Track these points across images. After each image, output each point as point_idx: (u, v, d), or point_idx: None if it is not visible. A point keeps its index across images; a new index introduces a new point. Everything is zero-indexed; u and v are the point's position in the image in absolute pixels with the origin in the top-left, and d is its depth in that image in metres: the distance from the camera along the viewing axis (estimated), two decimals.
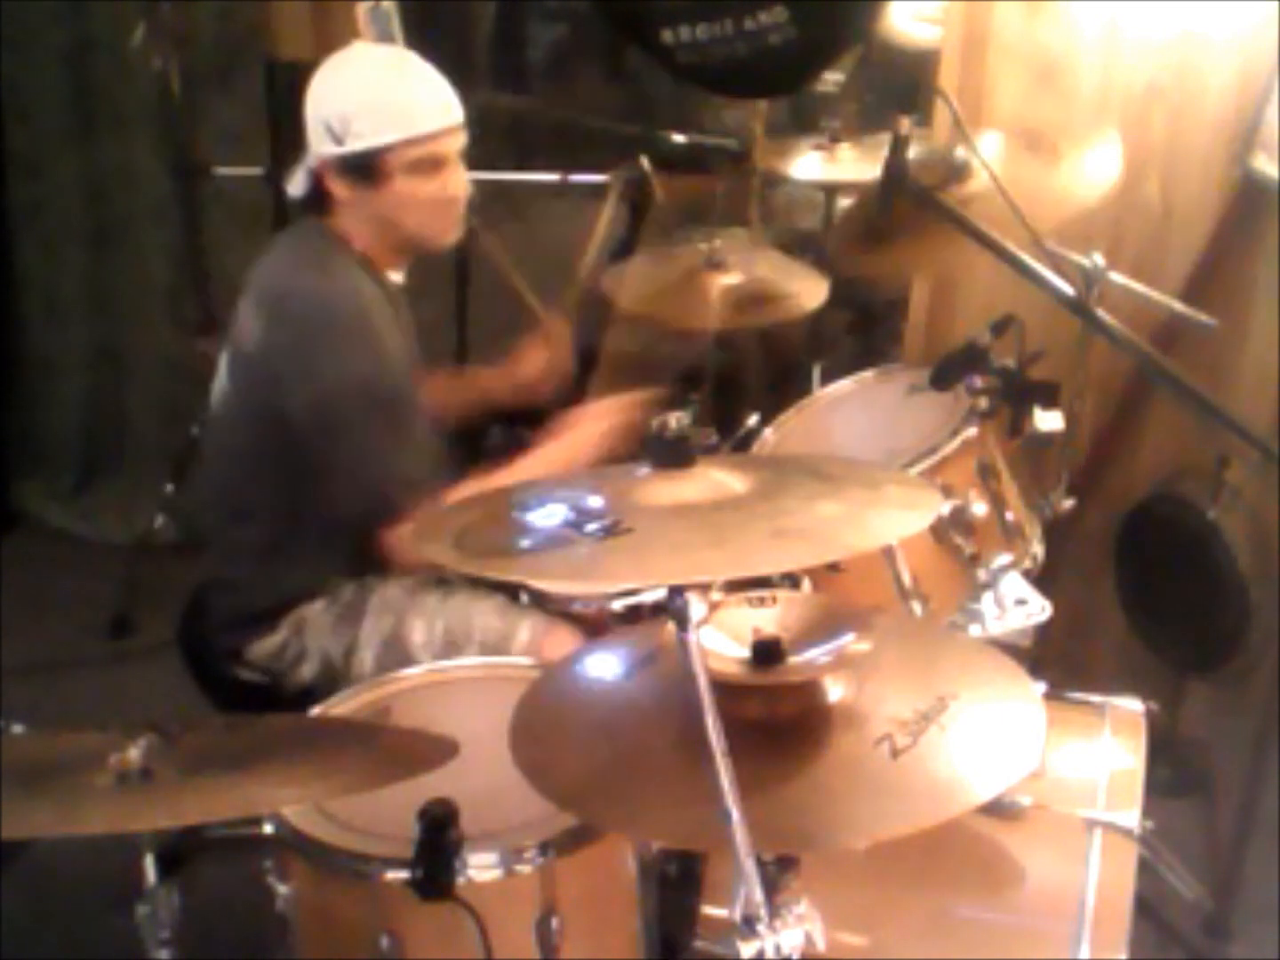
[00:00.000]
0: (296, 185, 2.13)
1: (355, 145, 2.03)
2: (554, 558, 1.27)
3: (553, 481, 1.53)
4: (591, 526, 1.27)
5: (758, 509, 1.34)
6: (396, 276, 2.18)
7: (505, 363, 2.53)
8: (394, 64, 2.12)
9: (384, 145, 2.03)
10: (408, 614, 2.13)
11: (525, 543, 1.31)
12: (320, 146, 2.05)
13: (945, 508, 2.01)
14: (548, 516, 1.33)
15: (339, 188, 2.06)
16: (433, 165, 2.07)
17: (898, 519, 1.38)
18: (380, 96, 2.05)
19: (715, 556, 1.24)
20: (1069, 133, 2.33)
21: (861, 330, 3.45)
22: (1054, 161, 2.16)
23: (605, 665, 1.59)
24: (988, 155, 2.01)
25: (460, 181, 2.11)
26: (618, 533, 1.25)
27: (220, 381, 2.18)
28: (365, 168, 2.04)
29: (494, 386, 2.51)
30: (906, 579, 2.00)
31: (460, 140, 2.10)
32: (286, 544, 2.14)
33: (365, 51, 2.24)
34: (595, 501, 1.34)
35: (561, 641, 2.04)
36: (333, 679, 2.09)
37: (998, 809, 1.66)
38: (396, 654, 2.07)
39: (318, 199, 2.10)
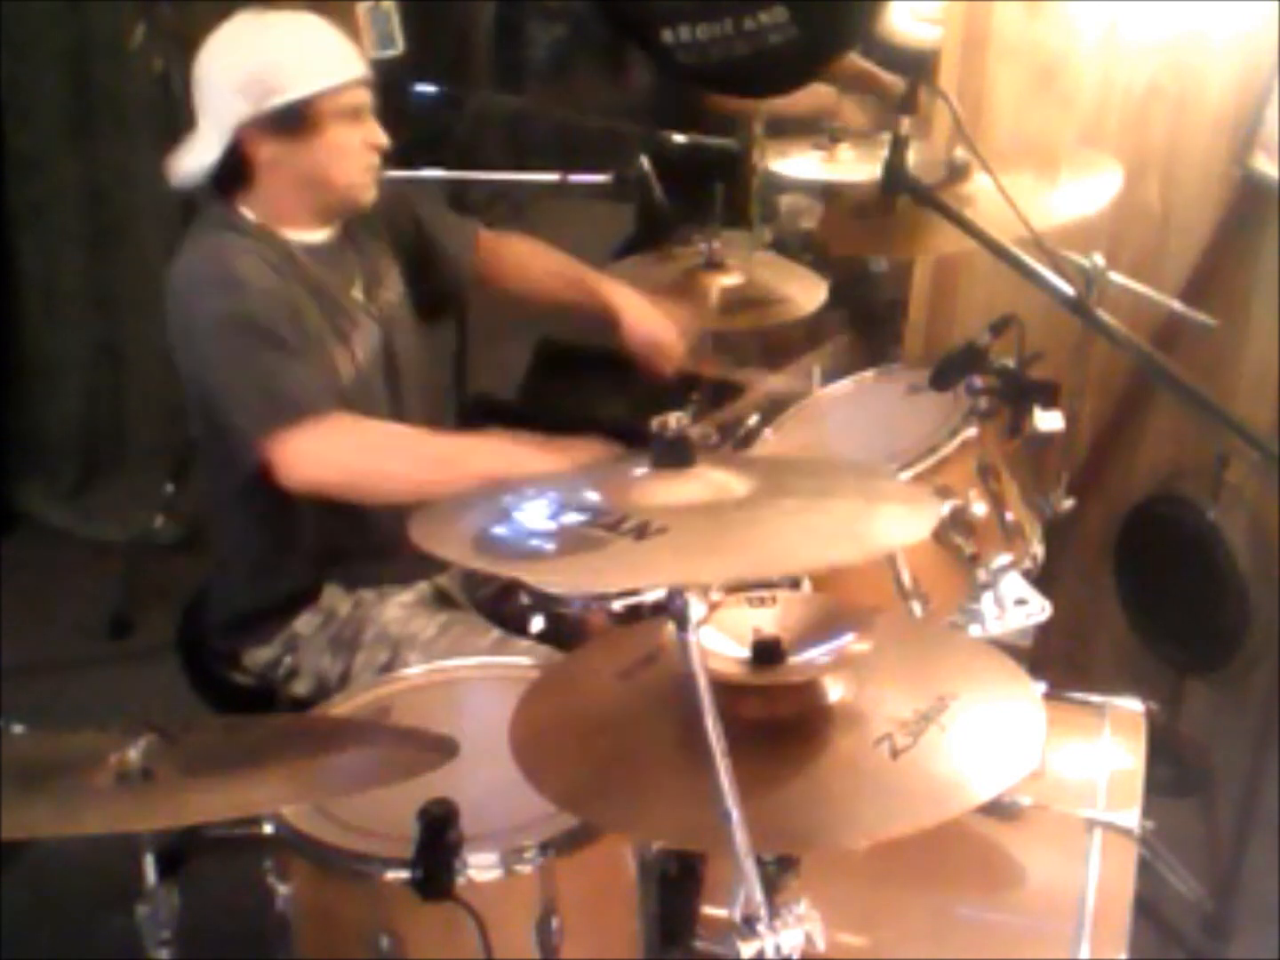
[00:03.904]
0: (205, 157, 2.05)
1: (284, 98, 2.00)
2: (581, 560, 1.26)
3: (550, 483, 1.53)
4: (621, 526, 1.27)
5: (766, 507, 1.34)
6: (316, 235, 2.14)
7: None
8: (296, 21, 2.08)
9: (312, 94, 2.01)
10: (403, 648, 2.11)
11: (548, 545, 1.31)
12: (239, 109, 2.00)
13: (945, 508, 2.01)
14: (562, 518, 1.34)
15: (265, 149, 2.03)
16: (356, 114, 2.07)
17: (897, 525, 1.38)
18: (298, 50, 2.04)
19: (745, 555, 1.24)
20: (1069, 155, 2.32)
21: (861, 330, 3.45)
22: (1053, 181, 2.16)
23: (605, 665, 1.59)
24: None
25: (380, 132, 2.10)
26: (650, 533, 1.25)
27: None
28: (295, 120, 2.02)
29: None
30: (906, 579, 2.00)
31: (369, 94, 2.10)
32: (269, 548, 2.14)
33: (259, 15, 2.12)
34: (607, 501, 1.34)
35: None
36: (326, 699, 2.08)
37: (998, 809, 1.66)
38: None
39: (232, 170, 2.05)
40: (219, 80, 2.05)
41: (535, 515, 1.38)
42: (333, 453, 1.95)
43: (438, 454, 2.01)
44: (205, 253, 2.06)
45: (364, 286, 2.20)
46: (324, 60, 2.05)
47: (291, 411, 1.93)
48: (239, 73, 2.02)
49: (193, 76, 2.08)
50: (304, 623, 2.15)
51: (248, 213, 2.09)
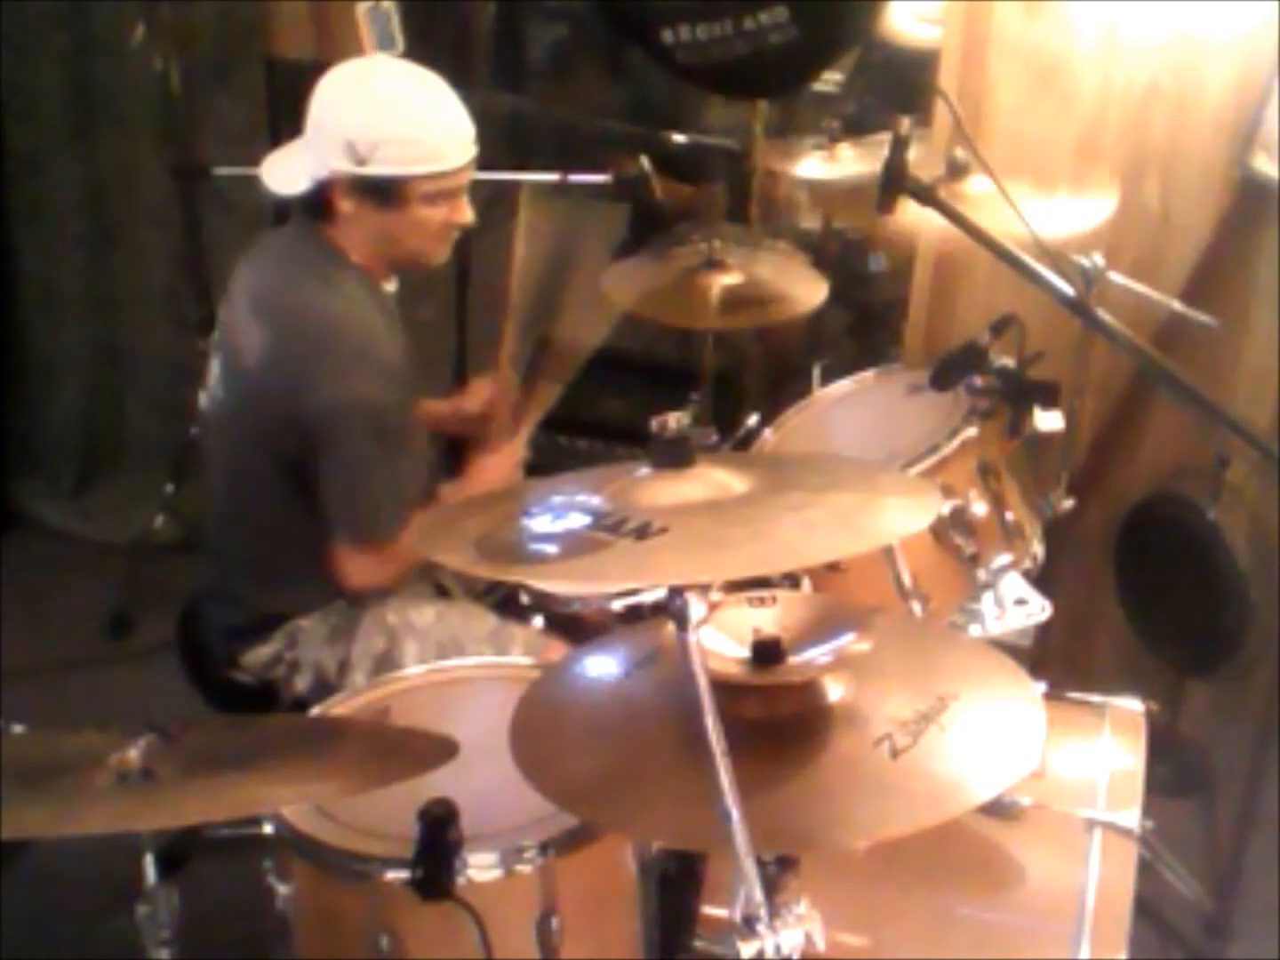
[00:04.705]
0: (292, 184, 2.06)
1: (379, 170, 2.00)
2: (584, 562, 1.26)
3: (553, 484, 1.53)
4: (622, 528, 1.27)
5: (767, 504, 1.34)
6: (389, 286, 2.16)
7: (454, 396, 2.51)
8: (425, 92, 2.06)
9: (408, 175, 2.01)
10: (400, 635, 2.13)
11: (552, 548, 1.31)
12: (335, 161, 2.00)
13: (945, 508, 2.01)
14: (567, 521, 1.33)
15: (347, 204, 2.03)
16: (448, 196, 2.06)
17: (898, 519, 1.38)
18: (412, 128, 2.01)
19: (747, 552, 1.25)
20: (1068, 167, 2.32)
21: (861, 330, 3.45)
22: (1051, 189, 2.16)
23: (605, 665, 1.59)
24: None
25: (467, 210, 2.10)
26: (651, 534, 1.25)
27: (214, 390, 2.16)
28: (384, 192, 2.02)
29: (441, 416, 2.45)
30: (906, 579, 2.00)
31: (469, 176, 2.10)
32: (281, 558, 2.14)
33: (392, 71, 2.14)
34: (609, 503, 1.34)
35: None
36: (326, 693, 2.09)
37: (998, 809, 1.66)
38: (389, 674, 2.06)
39: (316, 206, 2.05)
40: (332, 123, 2.02)
41: (537, 519, 1.38)
42: (386, 572, 2.11)
43: None
44: (344, 302, 2.05)
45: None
46: (437, 145, 2.03)
47: (377, 537, 2.04)
48: (352, 128, 1.99)
49: (315, 94, 2.05)
50: (304, 618, 2.16)
51: (349, 252, 2.08)
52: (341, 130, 1.99)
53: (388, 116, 2.01)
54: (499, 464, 2.26)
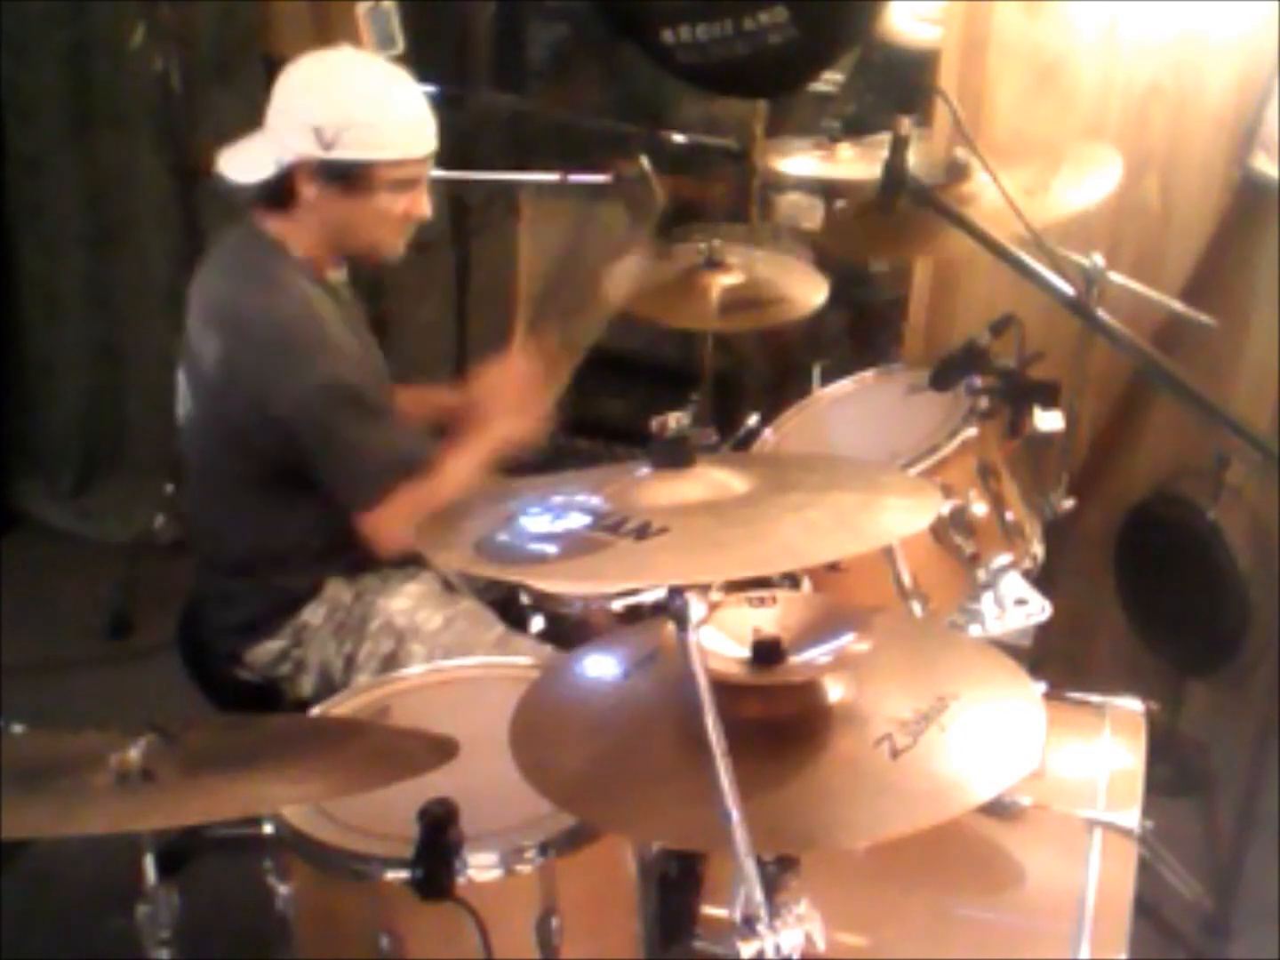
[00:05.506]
0: (253, 172, 2.07)
1: (344, 155, 2.01)
2: (583, 562, 1.26)
3: (553, 484, 1.53)
4: (622, 528, 1.27)
5: (767, 504, 1.34)
6: (337, 275, 2.18)
7: (464, 383, 2.43)
8: (390, 81, 2.09)
9: (374, 160, 2.03)
10: (408, 638, 2.14)
11: (551, 549, 1.31)
12: (301, 146, 2.02)
13: (945, 508, 2.01)
14: (567, 521, 1.33)
15: (311, 190, 2.05)
16: (410, 185, 2.08)
17: (898, 519, 1.38)
18: (378, 113, 2.04)
19: (747, 552, 1.25)
20: (1068, 146, 2.31)
21: (861, 330, 3.45)
22: (1051, 175, 2.15)
23: (605, 665, 1.59)
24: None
25: (426, 204, 2.12)
26: (651, 534, 1.25)
27: (184, 403, 2.17)
28: (349, 177, 2.03)
29: (449, 405, 2.38)
30: (906, 579, 2.00)
31: (429, 168, 2.12)
32: (273, 554, 2.15)
33: (358, 61, 2.17)
34: (608, 503, 1.34)
35: None
36: (331, 692, 2.09)
37: (998, 809, 1.66)
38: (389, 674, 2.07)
39: (276, 193, 2.06)
40: (297, 109, 2.04)
41: (537, 519, 1.38)
42: (408, 522, 1.99)
43: (465, 475, 2.08)
44: (286, 297, 2.05)
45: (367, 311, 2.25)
46: (401, 131, 2.06)
47: (380, 492, 2.02)
48: (318, 113, 2.02)
49: (278, 84, 2.08)
50: (311, 613, 2.17)
51: (292, 245, 2.10)
52: (307, 115, 2.02)
53: (353, 102, 2.04)
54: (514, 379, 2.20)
